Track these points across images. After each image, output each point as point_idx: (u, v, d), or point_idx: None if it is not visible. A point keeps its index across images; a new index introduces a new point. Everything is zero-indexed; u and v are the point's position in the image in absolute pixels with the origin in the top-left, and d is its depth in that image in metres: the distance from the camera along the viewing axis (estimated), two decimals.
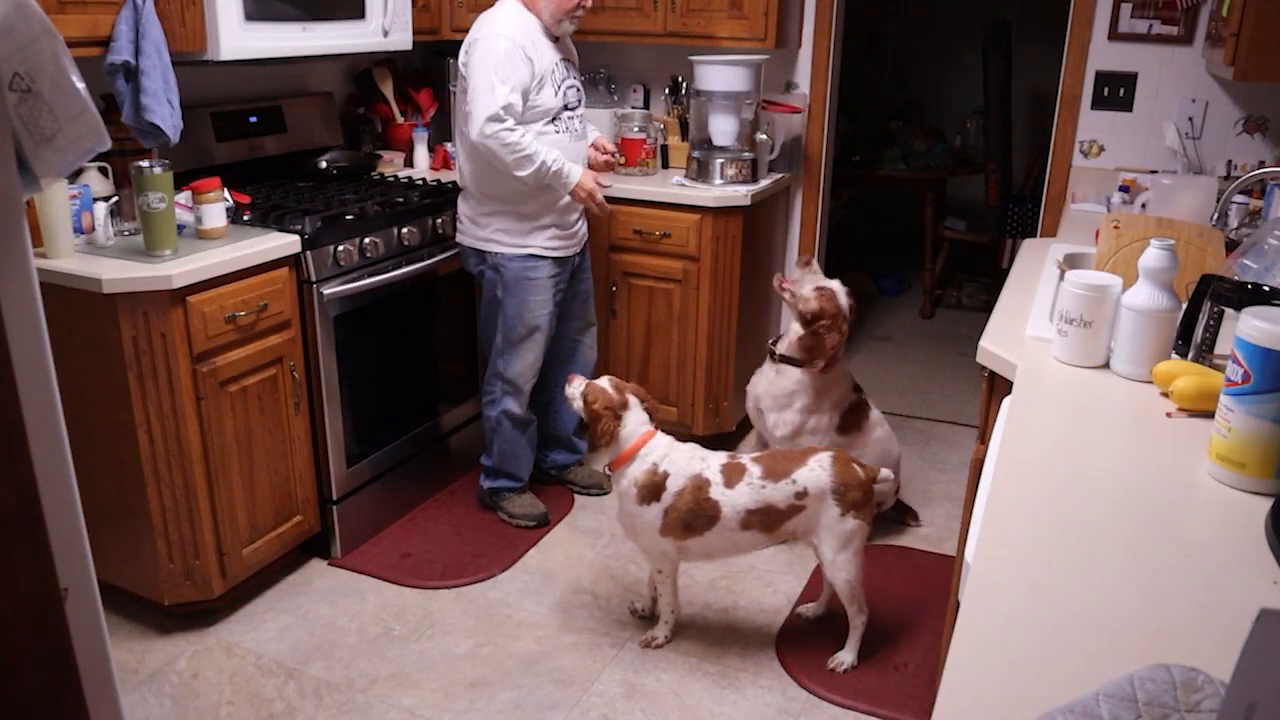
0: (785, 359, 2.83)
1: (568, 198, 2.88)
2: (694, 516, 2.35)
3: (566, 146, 2.87)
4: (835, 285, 2.78)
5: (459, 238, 3.01)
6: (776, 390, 2.85)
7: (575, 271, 3.08)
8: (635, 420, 2.40)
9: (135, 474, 2.37)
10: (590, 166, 2.96)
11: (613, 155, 3.08)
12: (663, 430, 2.46)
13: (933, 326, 5.20)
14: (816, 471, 2.35)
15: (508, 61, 2.68)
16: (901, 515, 3.19)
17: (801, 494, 2.33)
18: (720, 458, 2.43)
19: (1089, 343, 1.73)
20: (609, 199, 3.33)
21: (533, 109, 2.78)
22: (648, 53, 3.81)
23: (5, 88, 1.11)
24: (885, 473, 2.48)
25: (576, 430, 3.30)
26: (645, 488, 2.36)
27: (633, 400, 2.42)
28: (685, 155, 3.53)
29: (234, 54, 2.60)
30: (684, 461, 2.39)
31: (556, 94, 2.83)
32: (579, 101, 2.96)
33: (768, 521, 2.36)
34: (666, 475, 2.36)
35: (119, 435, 2.35)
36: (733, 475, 2.37)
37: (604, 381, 2.43)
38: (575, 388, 2.43)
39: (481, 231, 2.92)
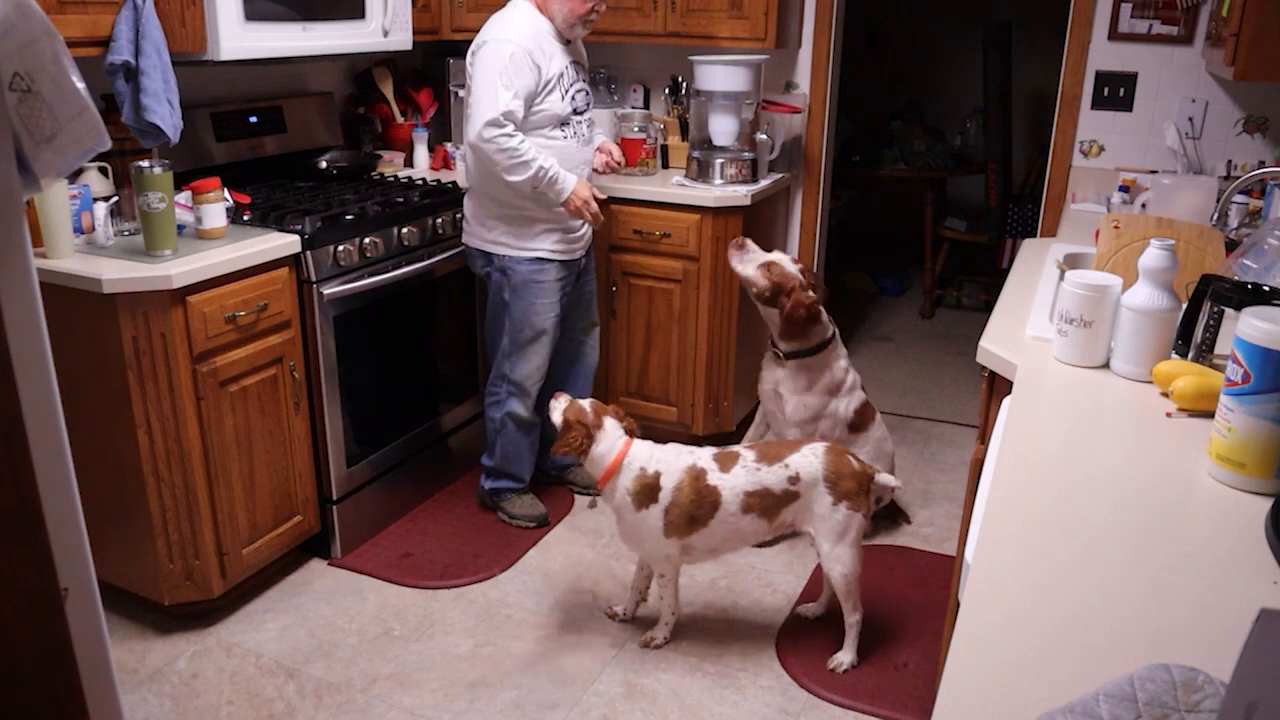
0: (790, 354, 2.84)
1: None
2: (696, 507, 2.36)
3: (573, 153, 2.85)
4: (777, 255, 2.79)
5: (465, 238, 3.00)
6: (795, 378, 2.86)
7: (580, 273, 3.07)
8: (611, 436, 2.40)
9: (135, 474, 2.37)
10: (594, 166, 2.95)
11: (612, 157, 3.04)
12: (663, 432, 2.46)
13: (933, 326, 5.20)
14: (809, 458, 2.37)
15: (513, 67, 2.65)
16: (895, 515, 3.19)
17: (794, 479, 2.35)
18: (710, 449, 2.45)
19: (1089, 343, 1.73)
20: (610, 199, 3.35)
21: (538, 114, 2.76)
22: (648, 53, 3.81)
23: (5, 88, 1.11)
24: (889, 478, 2.47)
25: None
26: (639, 493, 2.36)
27: (609, 421, 2.42)
28: (685, 155, 3.53)
29: (234, 54, 2.60)
30: (672, 459, 2.40)
31: (564, 99, 2.81)
32: (587, 105, 2.94)
33: (765, 505, 2.37)
34: (658, 474, 2.37)
35: (119, 435, 2.35)
36: (727, 461, 2.40)
37: (585, 403, 2.45)
38: (558, 404, 2.44)
39: (488, 234, 2.90)
